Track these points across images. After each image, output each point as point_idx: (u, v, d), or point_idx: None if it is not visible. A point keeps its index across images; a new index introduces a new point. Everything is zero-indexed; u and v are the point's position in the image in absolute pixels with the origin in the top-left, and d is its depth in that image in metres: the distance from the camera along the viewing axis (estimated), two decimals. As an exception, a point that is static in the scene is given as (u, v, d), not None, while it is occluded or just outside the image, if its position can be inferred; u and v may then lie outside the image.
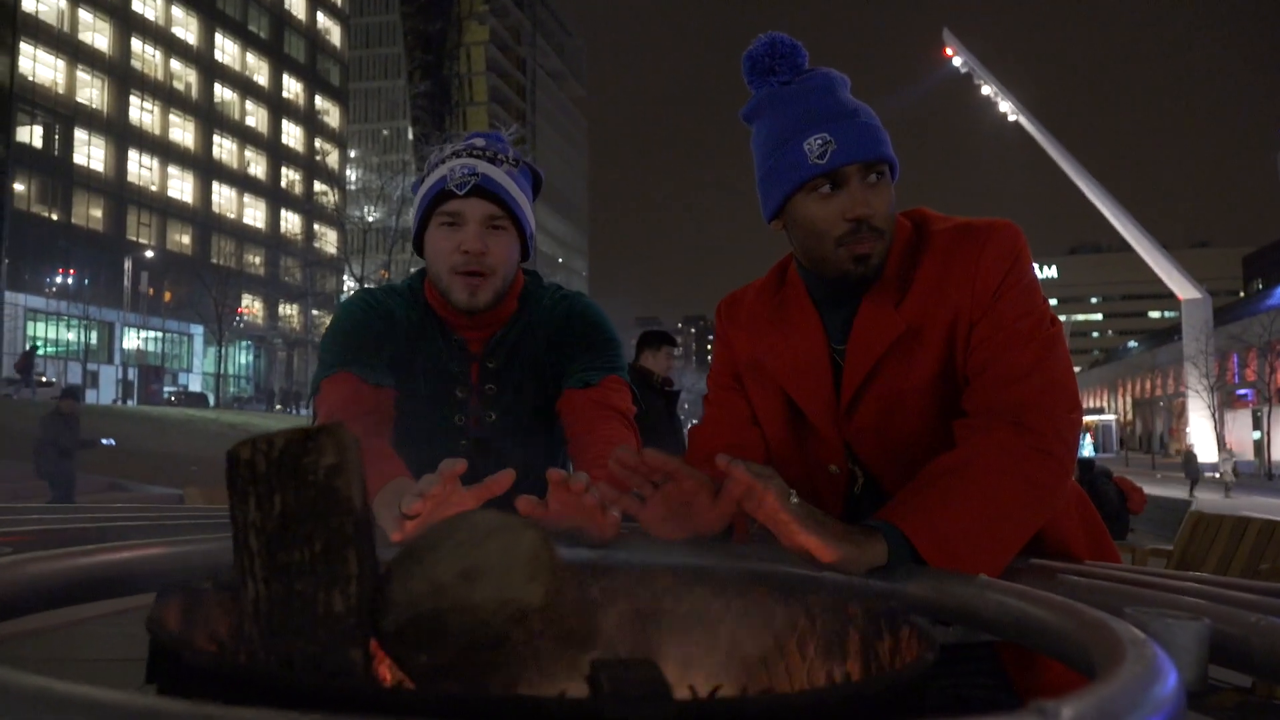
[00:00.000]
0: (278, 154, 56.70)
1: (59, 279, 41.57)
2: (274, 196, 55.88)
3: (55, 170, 42.35)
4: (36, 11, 41.57)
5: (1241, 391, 46.57)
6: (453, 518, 0.72)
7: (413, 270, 1.92)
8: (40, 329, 41.99)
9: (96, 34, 44.80)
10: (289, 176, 57.55)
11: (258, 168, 55.29)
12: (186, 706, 0.38)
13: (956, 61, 44.75)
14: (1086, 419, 28.02)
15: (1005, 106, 43.62)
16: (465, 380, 1.72)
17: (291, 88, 58.62)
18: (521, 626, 0.67)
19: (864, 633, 0.79)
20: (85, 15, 44.04)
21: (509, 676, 0.69)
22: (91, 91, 44.55)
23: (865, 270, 1.33)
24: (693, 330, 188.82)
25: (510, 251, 1.66)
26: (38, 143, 42.06)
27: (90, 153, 44.28)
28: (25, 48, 40.70)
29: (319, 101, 61.03)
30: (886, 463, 1.37)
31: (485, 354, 1.72)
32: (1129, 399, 61.17)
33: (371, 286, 1.85)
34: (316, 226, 54.83)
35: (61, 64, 42.77)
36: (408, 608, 0.67)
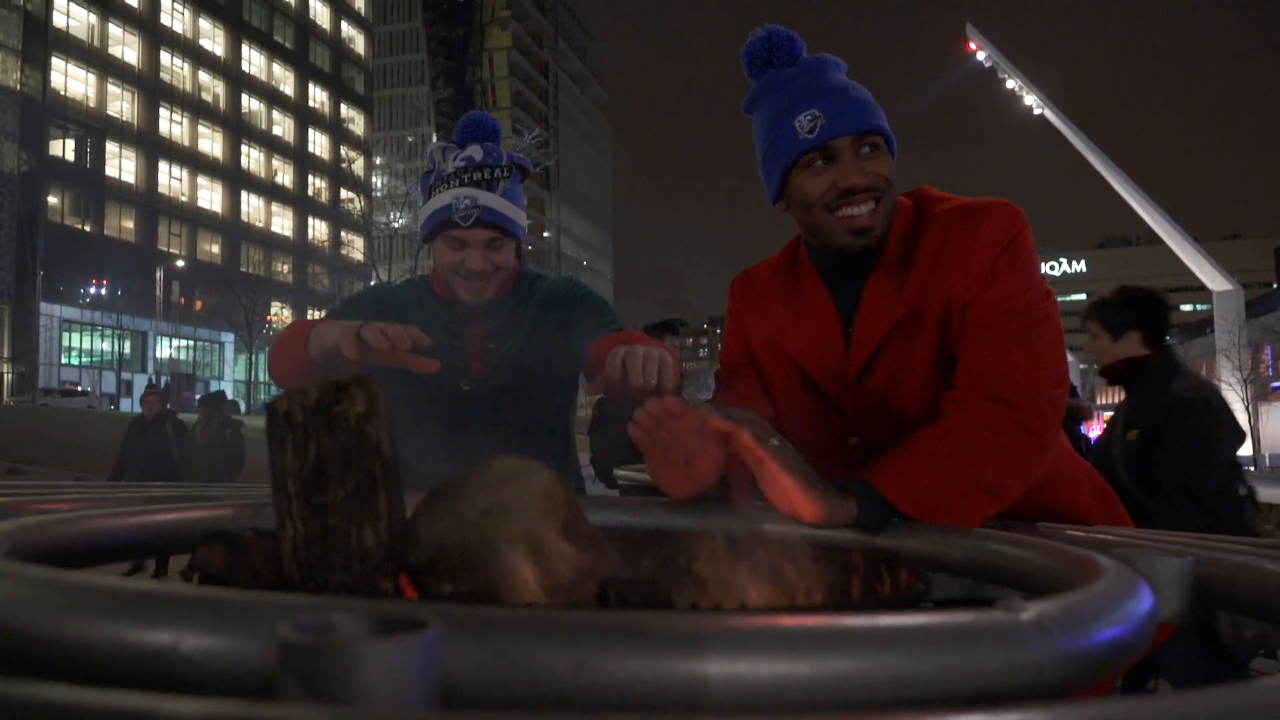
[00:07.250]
0: (305, 162, 57.20)
1: (92, 290, 42.23)
2: (301, 204, 56.38)
3: (87, 183, 42.99)
4: (67, 27, 42.23)
5: (1276, 384, 45.83)
6: (477, 466, 0.80)
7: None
8: (75, 339, 42.67)
9: (126, 47, 45.42)
10: (316, 184, 58.01)
11: (285, 176, 55.81)
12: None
13: (980, 56, 44.38)
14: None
15: (1030, 100, 43.21)
16: (464, 336, 1.91)
17: (317, 96, 59.13)
18: (538, 558, 0.73)
19: (863, 574, 0.85)
20: (115, 29, 44.69)
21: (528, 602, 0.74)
22: (122, 104, 45.19)
23: (867, 242, 1.37)
24: (718, 331, 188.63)
25: (508, 258, 1.89)
26: (70, 156, 42.70)
27: (121, 165, 44.90)
28: (56, 62, 41.39)
29: (344, 109, 61.51)
30: (891, 439, 1.39)
31: (485, 315, 1.92)
32: (1161, 393, 60.22)
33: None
34: (343, 233, 55.25)
35: (92, 78, 43.40)
36: (435, 542, 0.74)
